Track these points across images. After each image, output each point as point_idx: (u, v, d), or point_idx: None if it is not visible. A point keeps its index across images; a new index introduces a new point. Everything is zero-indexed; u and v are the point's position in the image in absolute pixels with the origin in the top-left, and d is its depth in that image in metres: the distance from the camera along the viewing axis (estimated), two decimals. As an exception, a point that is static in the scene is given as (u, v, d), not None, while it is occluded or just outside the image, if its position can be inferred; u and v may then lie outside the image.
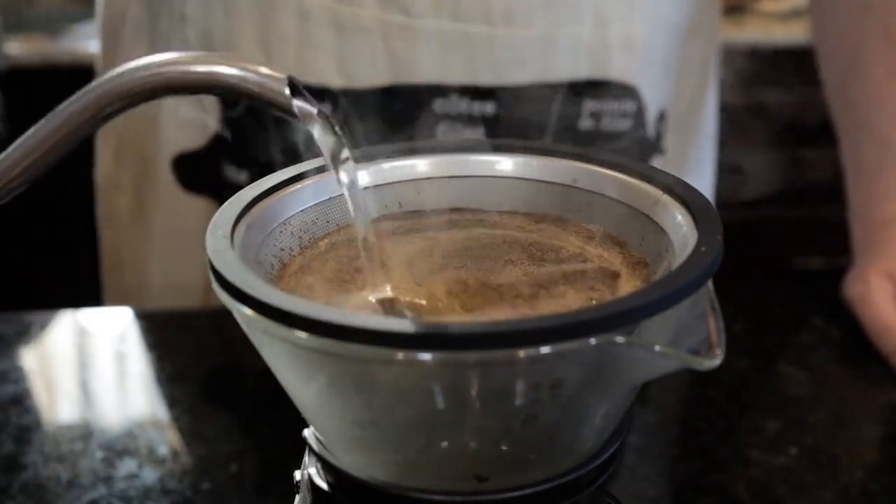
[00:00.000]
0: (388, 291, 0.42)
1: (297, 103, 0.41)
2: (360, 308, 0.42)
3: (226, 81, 0.40)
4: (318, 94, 0.83)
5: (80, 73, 1.55)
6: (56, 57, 1.89)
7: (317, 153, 0.45)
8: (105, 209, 0.99)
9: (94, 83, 0.41)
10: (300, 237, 0.47)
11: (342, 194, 0.48)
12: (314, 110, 0.42)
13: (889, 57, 0.83)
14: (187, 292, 0.92)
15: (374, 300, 0.42)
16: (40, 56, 1.90)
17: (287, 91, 0.41)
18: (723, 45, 0.99)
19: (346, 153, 0.43)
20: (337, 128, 0.42)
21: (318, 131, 0.42)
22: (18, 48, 1.92)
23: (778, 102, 2.02)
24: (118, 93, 0.41)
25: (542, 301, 0.42)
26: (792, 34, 1.96)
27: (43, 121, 0.41)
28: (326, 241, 0.47)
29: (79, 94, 0.41)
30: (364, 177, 0.50)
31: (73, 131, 0.41)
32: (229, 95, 0.41)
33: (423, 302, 0.42)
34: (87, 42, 1.89)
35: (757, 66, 1.95)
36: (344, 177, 0.43)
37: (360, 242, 0.43)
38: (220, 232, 0.42)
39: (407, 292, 0.43)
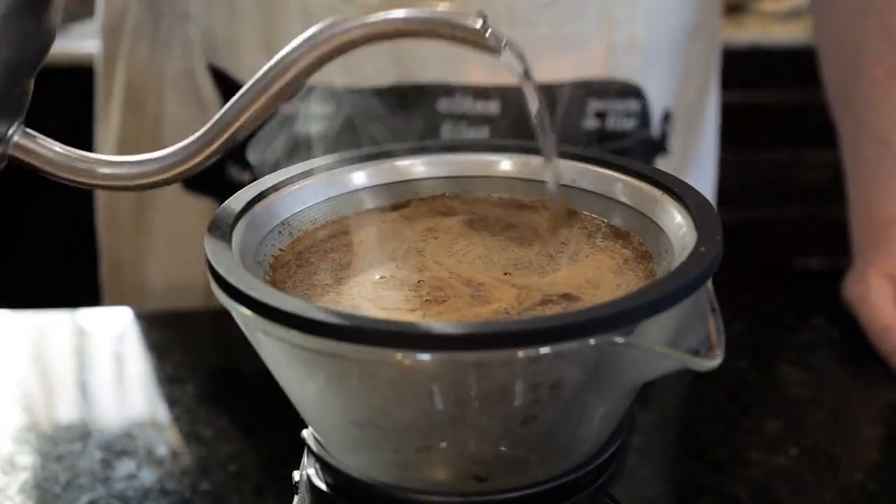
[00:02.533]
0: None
1: (489, 35, 0.43)
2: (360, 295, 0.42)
3: (419, 24, 0.43)
4: (323, 93, 0.83)
5: (80, 72, 1.55)
6: (55, 57, 1.89)
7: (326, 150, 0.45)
8: (105, 210, 0.99)
9: (300, 38, 0.43)
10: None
11: (342, 194, 0.48)
12: (503, 40, 0.44)
13: (889, 57, 0.82)
14: (188, 293, 0.92)
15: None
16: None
17: (478, 25, 0.43)
18: (723, 45, 0.99)
19: (531, 76, 0.46)
20: (524, 58, 0.46)
21: (509, 59, 0.45)
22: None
23: (778, 102, 2.02)
24: (324, 45, 0.43)
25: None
26: (792, 34, 1.96)
27: (256, 78, 0.43)
28: (321, 233, 0.47)
29: (284, 51, 0.43)
30: (364, 177, 0.50)
31: (283, 84, 0.43)
32: (426, 37, 0.43)
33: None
34: (86, 42, 1.88)
35: (757, 66, 1.95)
36: (532, 95, 0.46)
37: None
38: (218, 232, 0.42)
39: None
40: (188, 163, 0.45)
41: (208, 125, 0.44)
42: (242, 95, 0.44)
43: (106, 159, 0.46)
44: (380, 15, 0.42)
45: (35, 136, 0.45)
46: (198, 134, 0.45)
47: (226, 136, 0.44)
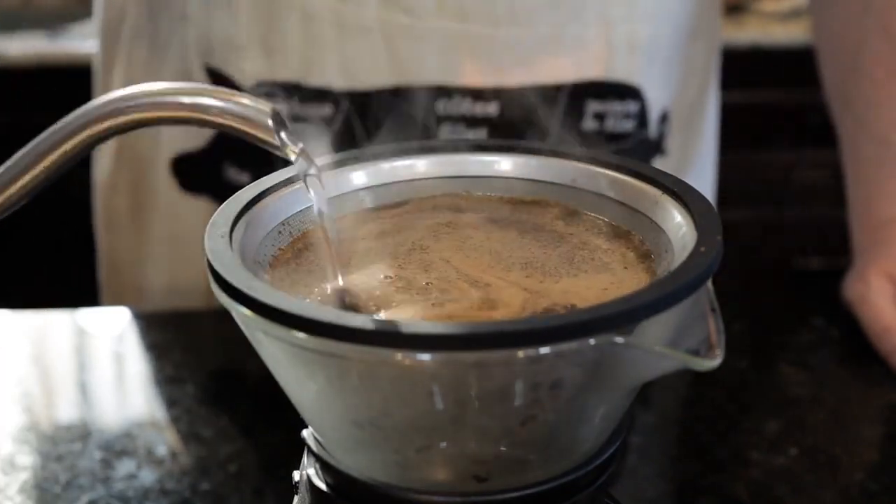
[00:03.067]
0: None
1: (282, 136, 0.41)
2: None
3: (210, 114, 0.41)
4: (321, 95, 0.83)
5: (79, 73, 1.55)
6: (55, 57, 1.89)
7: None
8: (103, 211, 0.99)
9: (80, 110, 0.41)
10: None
11: (341, 194, 0.49)
12: (298, 146, 0.42)
13: (889, 57, 0.82)
14: (186, 294, 0.92)
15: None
16: (39, 56, 1.90)
17: (270, 123, 0.41)
18: (723, 45, 0.99)
19: (322, 191, 0.43)
20: (315, 163, 0.43)
21: (300, 165, 0.43)
22: (16, 48, 1.92)
23: (778, 102, 2.02)
24: (105, 122, 0.41)
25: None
26: (792, 34, 1.96)
27: (30, 144, 0.41)
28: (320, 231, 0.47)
29: (65, 120, 0.41)
30: (364, 177, 0.50)
31: (60, 157, 0.41)
32: (214, 128, 0.41)
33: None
34: (85, 42, 1.88)
35: (757, 66, 1.95)
36: (316, 203, 0.44)
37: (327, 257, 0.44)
38: (218, 232, 0.42)
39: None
40: None
41: None
42: (16, 163, 0.41)
43: None
44: (175, 96, 0.40)
45: None
46: None
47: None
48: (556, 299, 0.41)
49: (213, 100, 0.40)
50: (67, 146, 0.41)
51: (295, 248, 0.46)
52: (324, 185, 0.43)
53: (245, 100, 0.41)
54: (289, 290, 0.43)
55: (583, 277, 0.43)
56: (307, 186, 0.43)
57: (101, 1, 0.95)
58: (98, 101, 0.41)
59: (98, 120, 0.41)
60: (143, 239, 0.94)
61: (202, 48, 0.86)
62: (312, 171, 0.43)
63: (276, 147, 0.41)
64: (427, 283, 0.43)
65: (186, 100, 0.40)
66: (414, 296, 0.42)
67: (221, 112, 0.40)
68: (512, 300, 0.41)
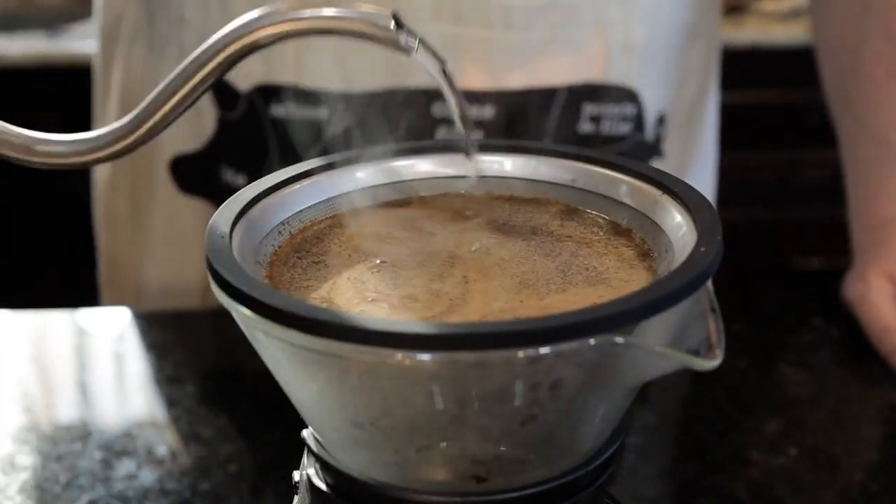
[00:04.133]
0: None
1: (402, 36, 0.44)
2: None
3: (334, 23, 0.44)
4: (318, 97, 0.83)
5: (79, 73, 1.55)
6: (55, 57, 1.89)
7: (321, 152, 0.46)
8: (103, 211, 0.99)
9: (218, 34, 0.45)
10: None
11: (341, 194, 0.49)
12: (416, 39, 0.45)
13: (889, 57, 0.82)
14: (186, 294, 0.92)
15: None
16: (39, 56, 1.90)
17: (392, 25, 0.44)
18: (723, 45, 0.99)
19: (453, 80, 0.47)
20: (438, 56, 0.46)
21: (423, 58, 0.45)
22: (16, 48, 1.92)
23: (778, 102, 2.02)
24: (240, 41, 0.45)
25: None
26: (792, 34, 1.96)
27: (177, 70, 0.45)
28: (318, 228, 0.47)
29: (206, 44, 0.45)
30: (364, 176, 0.50)
31: (200, 79, 0.45)
32: (342, 35, 0.45)
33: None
34: (85, 42, 1.88)
35: (757, 66, 1.95)
36: (448, 94, 0.47)
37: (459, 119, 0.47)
38: (218, 232, 0.42)
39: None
40: (121, 143, 0.46)
41: (140, 107, 0.46)
42: (173, 80, 0.45)
43: (44, 137, 0.46)
44: (299, 11, 0.44)
45: None
46: (131, 115, 0.46)
47: (157, 116, 0.46)
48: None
49: (336, 10, 0.44)
50: (210, 66, 0.45)
51: (294, 243, 0.46)
52: (456, 86, 0.47)
53: (366, 6, 0.44)
54: (287, 288, 0.43)
55: (572, 292, 0.43)
56: (437, 79, 0.46)
57: (101, 2, 0.95)
58: (231, 25, 0.45)
59: (234, 40, 0.45)
60: (143, 239, 0.94)
61: None
62: (434, 66, 0.46)
63: (400, 46, 0.44)
64: (424, 281, 0.43)
65: (311, 13, 0.44)
66: (410, 292, 0.42)
67: (344, 19, 0.44)
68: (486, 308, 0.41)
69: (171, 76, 0.45)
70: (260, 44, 0.45)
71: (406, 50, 0.45)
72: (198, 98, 0.46)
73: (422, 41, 0.45)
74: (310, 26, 0.44)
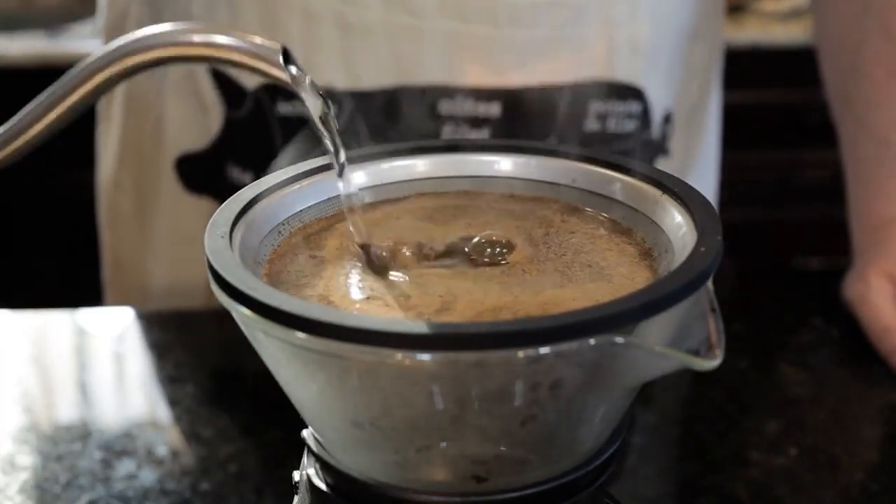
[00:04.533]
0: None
1: (291, 71, 0.43)
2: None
3: (221, 52, 0.42)
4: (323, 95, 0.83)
5: (80, 73, 1.55)
6: (55, 57, 1.89)
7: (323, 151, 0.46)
8: (107, 210, 0.99)
9: (94, 54, 0.42)
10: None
11: (341, 194, 0.48)
12: (307, 78, 0.43)
13: (890, 57, 0.82)
14: (190, 293, 0.92)
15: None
16: (39, 56, 1.90)
17: (280, 59, 0.42)
18: (723, 44, 0.99)
19: (333, 121, 0.45)
20: (323, 94, 0.44)
21: (308, 97, 0.44)
22: (16, 48, 1.91)
23: (778, 102, 2.02)
24: (119, 63, 0.42)
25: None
26: (792, 34, 1.95)
27: (48, 90, 0.43)
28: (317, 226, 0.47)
29: (80, 64, 0.42)
30: (364, 176, 0.50)
31: (74, 101, 0.43)
32: (225, 65, 0.42)
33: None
34: (85, 42, 1.88)
35: (757, 66, 1.95)
36: (328, 141, 0.45)
37: (346, 211, 0.45)
38: (218, 232, 0.42)
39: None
40: None
41: (2, 130, 0.44)
42: (39, 104, 0.43)
43: None
44: (189, 35, 0.42)
45: None
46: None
47: (19, 142, 0.43)
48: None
49: (224, 38, 0.42)
50: (85, 88, 0.43)
51: (292, 242, 0.46)
52: (336, 125, 0.45)
53: (256, 38, 0.43)
54: (285, 285, 0.43)
55: (570, 288, 0.43)
56: (318, 124, 0.44)
57: (105, 0, 0.95)
58: (112, 44, 0.42)
59: (114, 61, 0.42)
60: (147, 238, 0.95)
61: None
62: (320, 107, 0.44)
63: (286, 81, 0.43)
64: (421, 281, 0.43)
65: (199, 38, 0.42)
66: (409, 290, 0.42)
67: (232, 49, 0.42)
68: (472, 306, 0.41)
69: (41, 97, 0.43)
70: (138, 67, 0.42)
71: (293, 85, 0.43)
72: (72, 120, 0.43)
73: (312, 82, 0.43)
74: (199, 53, 0.43)
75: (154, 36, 0.42)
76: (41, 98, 0.43)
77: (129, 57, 0.42)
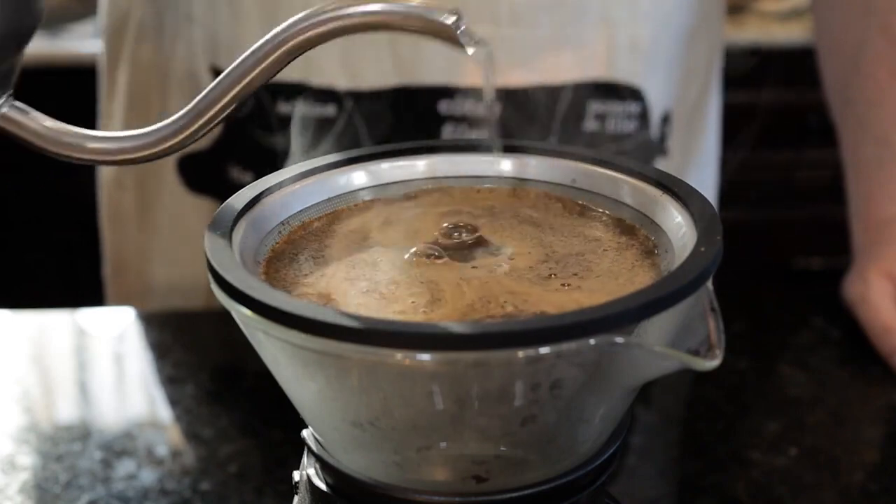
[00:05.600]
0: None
1: (461, 32, 0.44)
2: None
3: (394, 17, 0.44)
4: (324, 95, 0.83)
5: (79, 73, 1.55)
6: (55, 57, 1.89)
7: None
8: (109, 209, 0.99)
9: (278, 28, 0.45)
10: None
11: (342, 194, 0.49)
12: (475, 38, 0.45)
13: (890, 57, 0.82)
14: (191, 292, 0.92)
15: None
16: (39, 56, 1.90)
17: (451, 21, 0.44)
18: (723, 45, 0.99)
19: (491, 77, 0.47)
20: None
21: (478, 55, 0.45)
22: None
23: (778, 102, 2.02)
24: (298, 37, 0.45)
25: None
26: (792, 34, 1.95)
27: (236, 63, 0.45)
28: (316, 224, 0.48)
29: (265, 39, 0.45)
30: (364, 177, 0.50)
31: (260, 74, 0.45)
32: (401, 31, 0.44)
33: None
34: (86, 42, 1.88)
35: (757, 66, 1.95)
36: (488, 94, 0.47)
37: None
38: (218, 232, 0.42)
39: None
40: (176, 137, 0.46)
41: (195, 101, 0.45)
42: (230, 73, 0.45)
43: (94, 134, 0.46)
44: (357, 7, 0.43)
45: (25, 110, 0.46)
46: (186, 109, 0.45)
47: (213, 111, 0.45)
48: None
49: (395, 6, 0.44)
50: (268, 62, 0.45)
51: (291, 239, 0.46)
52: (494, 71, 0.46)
53: (423, 1, 0.44)
54: (283, 284, 0.43)
55: (568, 286, 0.43)
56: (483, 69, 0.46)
57: (106, 1, 0.95)
58: (290, 21, 0.45)
59: (292, 36, 0.45)
60: (149, 237, 0.95)
61: (208, 48, 0.86)
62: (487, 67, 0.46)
63: (458, 43, 0.44)
64: (422, 279, 0.43)
65: (371, 8, 0.44)
66: (408, 289, 0.42)
67: (405, 17, 0.44)
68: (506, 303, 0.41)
69: (232, 67, 0.45)
70: (331, 34, 0.44)
71: (463, 46, 0.45)
72: (247, 97, 0.45)
73: (481, 41, 0.45)
74: (374, 21, 0.44)
75: (328, 10, 0.44)
76: (237, 63, 0.45)
77: (304, 32, 0.44)
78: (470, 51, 0.44)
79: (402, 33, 0.44)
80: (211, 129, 0.46)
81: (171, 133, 0.46)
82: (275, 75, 0.45)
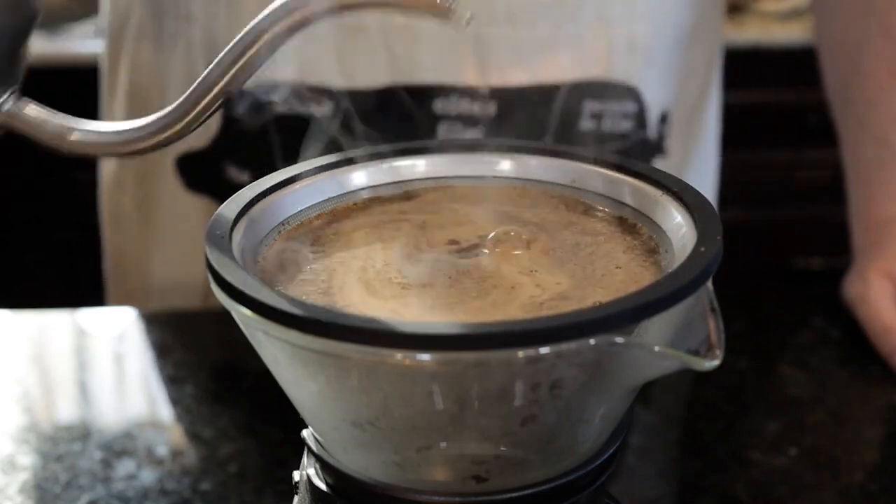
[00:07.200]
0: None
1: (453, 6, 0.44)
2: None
3: None
4: (321, 94, 0.83)
5: (79, 73, 1.55)
6: (55, 57, 1.89)
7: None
8: (109, 209, 0.99)
9: (265, 11, 0.44)
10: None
11: (341, 194, 0.49)
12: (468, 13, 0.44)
13: (891, 57, 0.82)
14: (192, 292, 0.92)
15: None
16: (40, 56, 1.90)
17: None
18: (723, 45, 0.99)
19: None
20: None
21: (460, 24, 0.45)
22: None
23: (778, 102, 2.02)
24: (288, 18, 0.44)
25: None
26: (792, 34, 1.95)
27: (239, 36, 0.45)
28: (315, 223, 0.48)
29: (266, 12, 0.44)
30: (364, 176, 0.50)
31: (249, 57, 0.45)
32: (389, 8, 0.45)
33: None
34: (87, 42, 1.88)
35: (757, 66, 1.95)
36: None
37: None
38: (218, 232, 0.42)
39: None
40: (171, 129, 0.45)
41: (188, 93, 0.45)
42: (219, 63, 0.45)
43: (95, 129, 0.46)
44: None
45: (31, 104, 0.46)
46: (178, 101, 0.45)
47: (205, 101, 0.45)
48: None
49: None
50: (256, 47, 0.45)
51: (290, 237, 0.46)
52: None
53: None
54: (282, 282, 0.43)
55: (568, 284, 0.43)
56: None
57: (106, 1, 0.95)
58: (274, 5, 0.44)
59: (291, 12, 0.44)
60: (149, 236, 0.95)
61: (207, 48, 0.86)
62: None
63: (445, 14, 0.44)
64: (424, 277, 0.43)
65: None
66: (407, 289, 0.42)
67: None
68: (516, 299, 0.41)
69: (219, 58, 0.45)
70: (317, 16, 0.44)
71: (445, 16, 0.45)
72: (247, 79, 0.45)
73: (472, 15, 0.45)
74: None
75: None
76: (225, 52, 0.45)
77: (304, 7, 0.44)
78: (451, 21, 0.44)
79: (388, 10, 0.45)
80: (214, 111, 0.45)
81: (166, 124, 0.46)
82: (268, 58, 0.45)
